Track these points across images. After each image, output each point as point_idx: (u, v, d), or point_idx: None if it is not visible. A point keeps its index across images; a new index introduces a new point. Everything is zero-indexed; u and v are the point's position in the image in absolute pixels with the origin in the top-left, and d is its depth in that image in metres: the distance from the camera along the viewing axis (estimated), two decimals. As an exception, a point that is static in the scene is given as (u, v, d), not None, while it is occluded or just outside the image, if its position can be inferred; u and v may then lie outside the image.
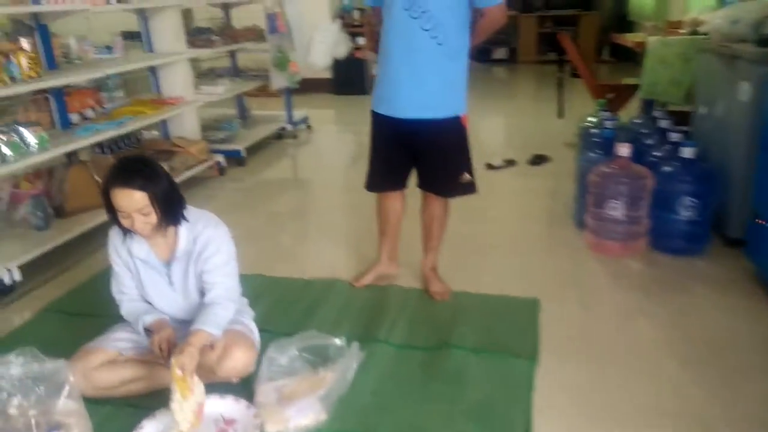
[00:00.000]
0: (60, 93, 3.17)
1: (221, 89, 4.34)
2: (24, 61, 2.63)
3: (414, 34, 2.12)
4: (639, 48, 4.28)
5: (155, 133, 4.30)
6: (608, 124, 3.22)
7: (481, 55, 9.94)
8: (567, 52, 4.53)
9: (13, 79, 2.60)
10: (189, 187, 3.87)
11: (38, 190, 3.04)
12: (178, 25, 4.10)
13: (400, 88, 2.21)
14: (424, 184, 2.37)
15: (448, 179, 2.32)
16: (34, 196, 2.87)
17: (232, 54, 5.29)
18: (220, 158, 4.21)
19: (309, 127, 5.76)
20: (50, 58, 3.11)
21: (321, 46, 7.00)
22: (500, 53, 9.82)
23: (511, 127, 6.01)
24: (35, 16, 2.99)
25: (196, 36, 4.49)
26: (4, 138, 2.55)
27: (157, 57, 3.94)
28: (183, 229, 1.83)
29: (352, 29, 7.27)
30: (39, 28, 3.03)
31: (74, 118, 3.33)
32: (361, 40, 7.32)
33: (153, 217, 1.71)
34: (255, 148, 4.80)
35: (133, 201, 1.67)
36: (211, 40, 4.34)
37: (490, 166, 4.24)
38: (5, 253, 2.63)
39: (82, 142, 3.01)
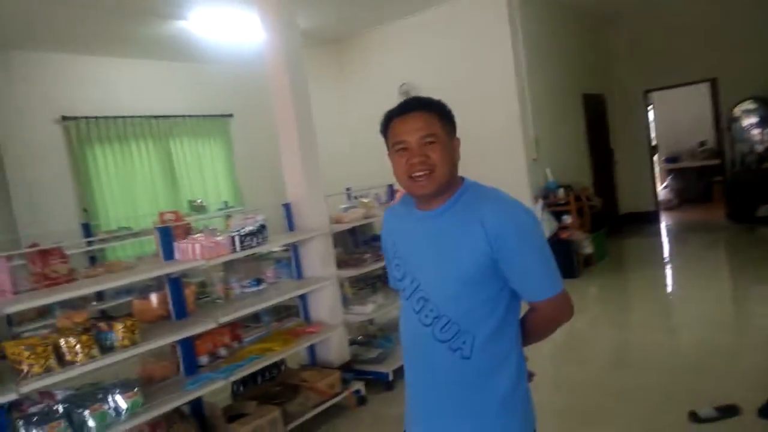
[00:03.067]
0: (187, 341, 3.27)
1: (370, 308, 4.12)
2: (120, 332, 2.74)
3: (428, 347, 1.54)
4: None
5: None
6: None
7: (739, 211, 8.19)
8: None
9: (108, 348, 2.72)
10: (320, 423, 3.59)
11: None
12: (327, 249, 4.11)
13: (420, 416, 1.62)
14: None
15: None
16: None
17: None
18: (360, 386, 3.86)
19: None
20: (180, 309, 3.27)
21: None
22: (767, 210, 7.92)
23: (749, 338, 4.26)
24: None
25: (351, 254, 4.45)
26: (89, 411, 2.62)
27: (305, 284, 3.95)
28: None
29: (556, 208, 6.67)
30: (170, 282, 3.24)
31: (204, 360, 3.40)
32: (568, 219, 6.63)
33: None
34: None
35: None
36: (363, 259, 4.23)
37: (694, 417, 3.05)
38: None
39: (183, 398, 2.99)
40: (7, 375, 2.51)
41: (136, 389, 2.84)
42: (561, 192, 6.75)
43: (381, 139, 1.60)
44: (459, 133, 1.62)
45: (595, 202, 7.28)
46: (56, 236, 5.00)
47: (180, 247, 3.23)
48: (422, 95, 1.64)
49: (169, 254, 3.26)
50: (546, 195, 6.76)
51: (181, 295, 3.27)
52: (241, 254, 3.41)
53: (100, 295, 3.78)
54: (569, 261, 6.47)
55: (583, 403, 3.55)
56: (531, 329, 1.58)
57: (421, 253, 1.55)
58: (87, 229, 5.74)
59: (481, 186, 1.58)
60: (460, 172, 1.60)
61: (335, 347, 4.06)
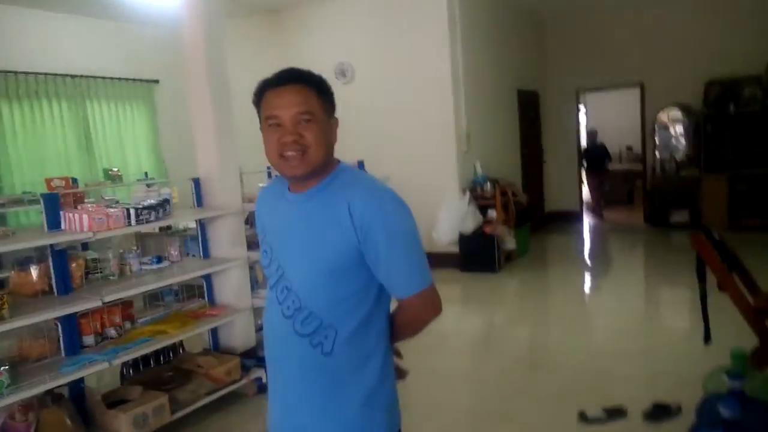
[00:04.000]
0: (70, 319, 3.04)
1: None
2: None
3: (290, 340, 1.43)
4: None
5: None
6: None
7: (656, 215, 8.54)
8: (706, 260, 3.31)
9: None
10: (212, 411, 3.45)
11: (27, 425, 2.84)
12: (238, 229, 3.94)
13: (278, 411, 1.52)
14: None
15: None
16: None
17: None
18: (262, 373, 3.74)
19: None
20: (63, 284, 3.03)
21: (446, 221, 6.55)
22: (680, 215, 8.27)
23: (634, 341, 4.28)
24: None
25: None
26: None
27: (210, 264, 3.76)
28: None
29: (482, 202, 6.70)
30: (53, 254, 3.00)
31: (89, 340, 3.17)
32: (492, 214, 6.69)
33: None
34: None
35: None
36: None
37: (583, 417, 3.10)
38: None
39: (56, 381, 2.78)
40: None
41: (2, 368, 2.62)
42: (488, 186, 6.79)
43: None
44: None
45: (521, 198, 7.39)
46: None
47: (67, 216, 2.99)
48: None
49: (54, 224, 3.01)
50: (473, 188, 6.79)
51: (66, 269, 3.04)
52: (134, 229, 3.20)
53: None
54: (491, 255, 6.54)
55: (487, 400, 3.57)
56: (398, 326, 1.50)
57: (287, 239, 1.44)
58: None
59: (355, 171, 1.48)
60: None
61: (239, 332, 3.91)
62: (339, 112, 1.48)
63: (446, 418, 3.35)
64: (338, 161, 1.47)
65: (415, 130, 6.75)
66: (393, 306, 1.49)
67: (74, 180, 5.51)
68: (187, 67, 3.85)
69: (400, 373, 1.58)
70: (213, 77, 3.77)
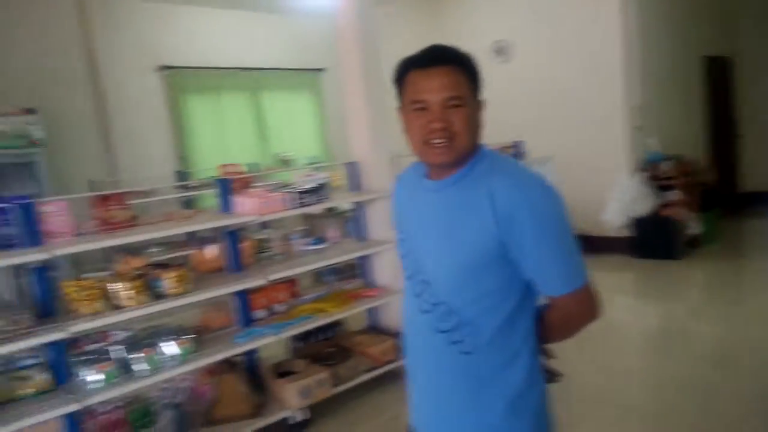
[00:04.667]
0: (243, 294, 3.30)
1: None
2: (170, 281, 2.80)
3: (426, 335, 1.37)
4: None
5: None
6: None
7: None
8: None
9: (159, 296, 2.80)
10: (370, 389, 3.54)
11: (209, 388, 3.16)
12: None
13: (420, 410, 1.47)
14: None
15: None
16: (170, 405, 2.95)
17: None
18: (417, 357, 3.75)
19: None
20: (235, 262, 3.29)
21: (617, 203, 6.02)
22: None
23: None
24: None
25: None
26: (143, 354, 2.72)
27: (366, 246, 3.86)
28: None
29: (660, 182, 6.05)
30: (227, 235, 3.27)
31: (260, 314, 3.43)
32: (672, 195, 6.01)
33: None
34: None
35: None
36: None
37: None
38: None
39: (232, 350, 3.03)
40: (63, 314, 2.64)
41: (188, 337, 2.92)
42: (666, 165, 6.10)
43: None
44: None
45: (706, 177, 6.54)
46: (152, 181, 5.28)
47: (237, 200, 3.23)
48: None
49: (227, 207, 3.28)
50: (649, 167, 6.14)
51: (237, 248, 3.29)
52: (294, 212, 3.36)
53: (170, 243, 3.92)
54: (670, 241, 5.90)
55: (659, 399, 3.23)
56: (549, 327, 1.36)
57: (424, 230, 1.37)
58: (182, 177, 6.04)
59: (499, 156, 1.35)
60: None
61: (395, 313, 3.96)
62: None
63: (612, 415, 3.09)
64: (481, 145, 1.36)
65: (580, 106, 6.28)
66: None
67: (250, 166, 6.04)
68: (342, 54, 3.95)
69: (552, 376, 1.44)
70: (366, 64, 3.82)
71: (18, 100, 4.89)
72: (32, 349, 2.56)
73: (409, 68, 1.31)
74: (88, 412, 2.75)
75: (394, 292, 3.86)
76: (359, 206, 3.92)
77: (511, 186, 1.23)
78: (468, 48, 1.33)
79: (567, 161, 5.47)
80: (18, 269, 2.83)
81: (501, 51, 6.78)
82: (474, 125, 1.30)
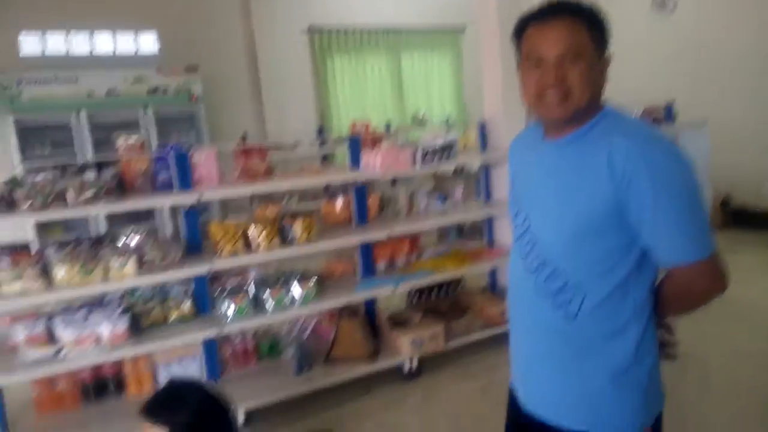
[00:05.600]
0: (366, 246, 3.44)
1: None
2: (299, 229, 3.01)
3: (531, 298, 1.35)
4: None
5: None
6: None
7: None
8: None
9: (288, 242, 3.02)
10: (482, 348, 3.55)
11: (329, 330, 3.39)
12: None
13: (521, 373, 1.47)
14: None
15: None
16: (297, 343, 3.20)
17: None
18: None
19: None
20: (360, 216, 3.44)
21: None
22: None
23: None
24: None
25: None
26: (273, 293, 2.98)
27: (490, 207, 3.82)
28: None
29: None
30: (354, 189, 3.41)
31: (382, 266, 3.56)
32: None
33: None
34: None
35: None
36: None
37: None
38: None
39: (354, 297, 3.21)
40: (208, 252, 2.97)
41: (312, 281, 3.13)
42: None
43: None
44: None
45: None
46: (294, 136, 5.63)
47: (366, 157, 3.35)
48: None
49: (356, 163, 3.41)
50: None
51: (364, 203, 3.43)
52: (422, 170, 3.40)
53: (304, 194, 4.18)
54: None
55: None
56: (666, 298, 1.27)
57: (537, 189, 1.33)
58: (321, 133, 6.36)
59: (622, 116, 1.25)
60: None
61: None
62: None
63: (746, 399, 2.81)
64: (604, 104, 1.28)
65: (746, 66, 5.54)
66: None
67: (385, 124, 6.17)
68: (479, 10, 3.85)
69: (669, 352, 1.36)
70: (502, 20, 3.69)
71: (181, 61, 5.42)
72: (181, 280, 2.91)
73: (528, 22, 1.26)
74: (224, 339, 3.10)
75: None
76: (487, 166, 3.87)
77: (632, 146, 1.15)
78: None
79: (723, 126, 4.92)
80: (173, 210, 3.20)
81: (663, 3, 6.15)
82: (593, 81, 1.22)
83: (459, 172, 4.80)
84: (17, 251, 2.51)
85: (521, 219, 1.37)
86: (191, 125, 5.53)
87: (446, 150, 3.50)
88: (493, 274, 4.01)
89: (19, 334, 2.52)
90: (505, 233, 3.92)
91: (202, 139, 5.49)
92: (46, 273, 2.50)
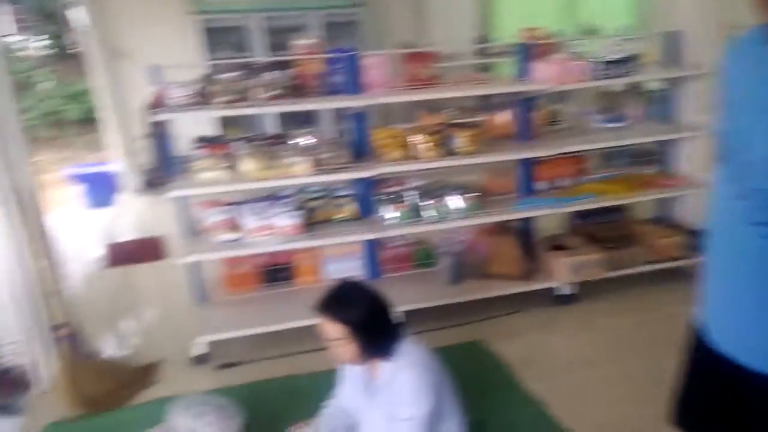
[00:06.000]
0: (526, 163, 3.32)
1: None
2: (462, 140, 2.96)
3: (736, 226, 1.23)
4: None
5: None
6: None
7: None
8: None
9: (451, 153, 3.00)
10: (647, 282, 3.36)
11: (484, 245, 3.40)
12: (712, 94, 3.42)
13: (717, 310, 1.35)
14: None
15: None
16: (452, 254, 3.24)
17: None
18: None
19: None
20: (524, 131, 3.29)
21: None
22: None
23: None
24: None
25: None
26: (433, 203, 3.02)
27: (670, 130, 3.47)
28: (387, 365, 1.80)
29: None
30: (520, 102, 3.25)
31: (542, 185, 3.43)
32: None
33: (350, 348, 1.71)
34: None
35: (327, 331, 1.72)
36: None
37: None
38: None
39: (512, 215, 3.15)
40: (372, 157, 3.04)
41: (472, 195, 3.12)
42: None
43: None
44: None
45: None
46: (456, 45, 5.47)
47: (535, 67, 3.15)
48: None
49: (524, 73, 3.23)
50: None
51: (529, 117, 3.27)
52: (595, 84, 3.14)
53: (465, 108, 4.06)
54: None
55: None
56: None
57: (760, 104, 1.16)
58: (483, 42, 6.11)
59: None
60: None
61: (692, 208, 3.57)
62: None
63: None
64: None
65: None
66: None
67: (555, 33, 5.71)
68: None
69: None
70: None
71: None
72: (346, 182, 3.04)
73: None
74: (383, 242, 3.23)
75: (697, 184, 3.45)
76: (674, 83, 3.47)
77: None
78: None
79: None
80: (340, 113, 3.30)
81: None
82: None
83: (633, 89, 4.37)
84: (211, 143, 2.77)
85: (733, 138, 1.21)
86: (353, 31, 5.58)
87: (627, 63, 3.18)
88: (664, 204, 3.70)
89: (211, 218, 2.83)
90: (686, 160, 3.55)
91: (365, 45, 5.52)
92: (232, 166, 2.75)
